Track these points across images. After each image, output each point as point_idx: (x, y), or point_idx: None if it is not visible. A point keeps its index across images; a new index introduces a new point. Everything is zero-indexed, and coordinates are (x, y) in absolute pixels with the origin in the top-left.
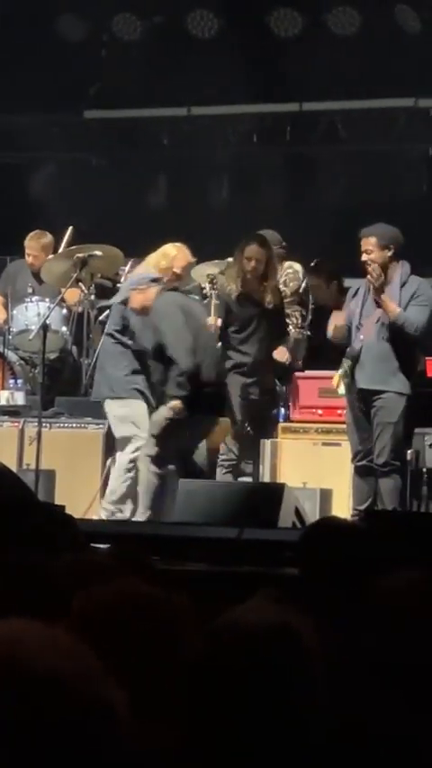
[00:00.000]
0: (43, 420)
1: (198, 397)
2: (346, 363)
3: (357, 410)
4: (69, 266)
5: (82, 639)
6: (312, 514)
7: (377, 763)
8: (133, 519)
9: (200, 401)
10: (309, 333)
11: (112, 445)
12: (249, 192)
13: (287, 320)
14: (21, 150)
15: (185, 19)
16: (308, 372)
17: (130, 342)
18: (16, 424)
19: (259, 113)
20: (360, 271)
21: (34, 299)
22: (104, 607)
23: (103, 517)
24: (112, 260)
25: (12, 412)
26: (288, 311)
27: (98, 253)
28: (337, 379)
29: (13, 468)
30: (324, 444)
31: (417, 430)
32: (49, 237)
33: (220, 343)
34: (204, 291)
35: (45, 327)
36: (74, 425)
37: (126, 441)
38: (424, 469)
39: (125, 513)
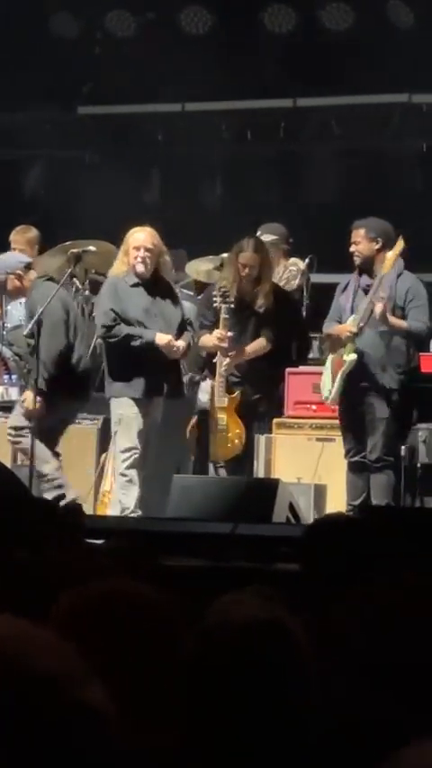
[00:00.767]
0: None
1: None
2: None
3: (350, 406)
4: (63, 262)
5: (65, 639)
6: (307, 510)
7: (370, 761)
8: None
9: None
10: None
11: (106, 440)
12: (243, 188)
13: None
14: (14, 147)
15: (179, 15)
16: (301, 368)
17: None
18: None
19: (253, 109)
20: (353, 267)
21: None
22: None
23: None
24: (106, 256)
25: (6, 408)
26: None
27: (92, 248)
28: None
29: (8, 464)
30: (318, 440)
31: (411, 426)
32: (34, 232)
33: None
34: (215, 305)
35: (39, 323)
36: None
37: None
38: (418, 465)
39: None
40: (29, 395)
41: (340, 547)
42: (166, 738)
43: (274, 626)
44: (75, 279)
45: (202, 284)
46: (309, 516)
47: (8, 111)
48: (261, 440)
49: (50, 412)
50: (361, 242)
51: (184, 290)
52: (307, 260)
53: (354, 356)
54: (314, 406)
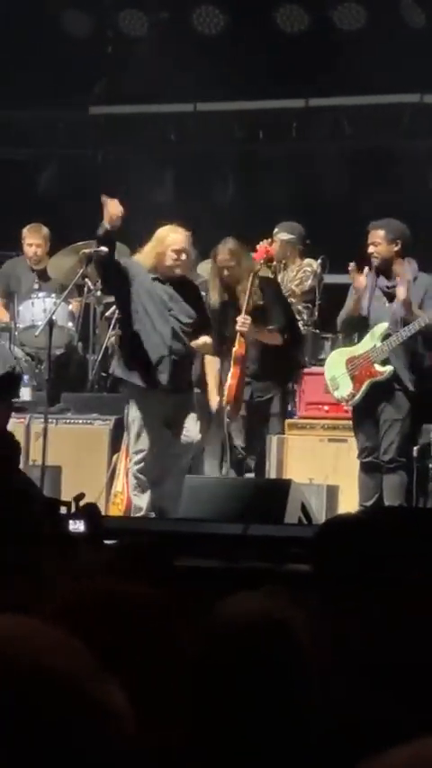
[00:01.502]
0: (49, 416)
1: None
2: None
3: (365, 406)
4: (75, 262)
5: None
6: (319, 511)
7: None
8: None
9: None
10: (317, 330)
11: (118, 441)
12: (255, 187)
13: (297, 316)
14: (26, 146)
15: (191, 15)
16: (314, 369)
17: None
18: (22, 420)
19: (265, 109)
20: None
21: (40, 294)
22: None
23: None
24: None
25: (18, 408)
26: (299, 307)
27: (104, 249)
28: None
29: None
30: (330, 440)
31: (424, 426)
32: (46, 229)
33: None
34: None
35: (51, 323)
36: (80, 421)
37: None
38: (430, 466)
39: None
40: None
41: (352, 547)
42: (170, 737)
43: (279, 625)
44: (87, 279)
45: None
46: (321, 517)
47: (21, 110)
48: (273, 440)
49: None
50: (381, 243)
51: None
52: (319, 260)
53: (390, 368)
54: (326, 407)
